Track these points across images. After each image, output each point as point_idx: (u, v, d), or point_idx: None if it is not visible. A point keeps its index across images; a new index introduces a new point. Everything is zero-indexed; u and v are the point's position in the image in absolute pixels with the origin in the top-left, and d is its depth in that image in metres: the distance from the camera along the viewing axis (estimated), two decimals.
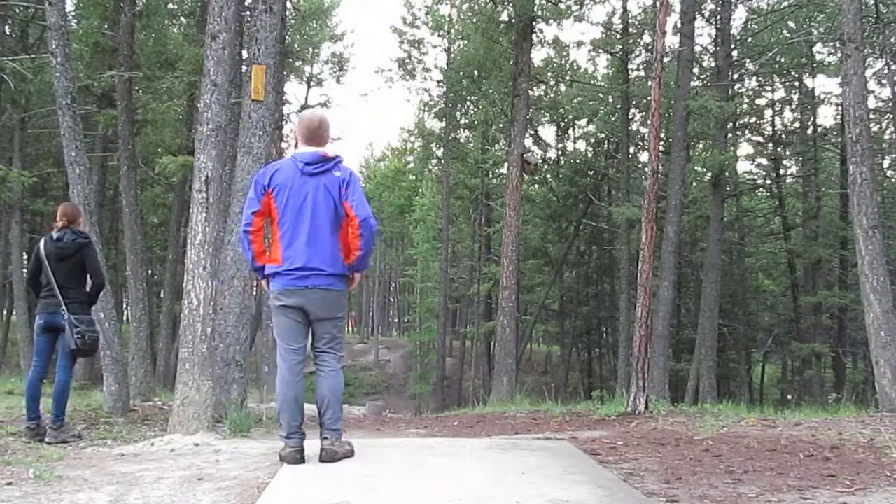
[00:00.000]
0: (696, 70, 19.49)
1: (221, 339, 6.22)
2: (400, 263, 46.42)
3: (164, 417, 6.66)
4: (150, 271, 25.34)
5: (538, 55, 25.21)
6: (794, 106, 24.47)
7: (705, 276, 17.89)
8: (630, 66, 22.82)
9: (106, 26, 14.16)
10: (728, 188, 20.99)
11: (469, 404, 18.12)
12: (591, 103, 25.77)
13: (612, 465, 3.98)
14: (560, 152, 30.99)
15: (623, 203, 20.70)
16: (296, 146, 4.00)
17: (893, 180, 23.85)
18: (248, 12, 8.60)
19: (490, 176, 28.62)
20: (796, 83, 23.67)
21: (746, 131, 24.59)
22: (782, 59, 20.21)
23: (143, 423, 6.68)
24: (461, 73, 25.71)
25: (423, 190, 36.53)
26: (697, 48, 19.40)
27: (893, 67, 16.06)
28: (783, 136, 24.91)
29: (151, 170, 16.38)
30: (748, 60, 20.40)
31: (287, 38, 18.23)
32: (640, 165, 24.17)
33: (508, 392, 13.66)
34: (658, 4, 8.01)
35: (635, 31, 22.36)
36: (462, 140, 30.04)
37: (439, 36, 27.24)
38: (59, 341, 5.40)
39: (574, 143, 31.12)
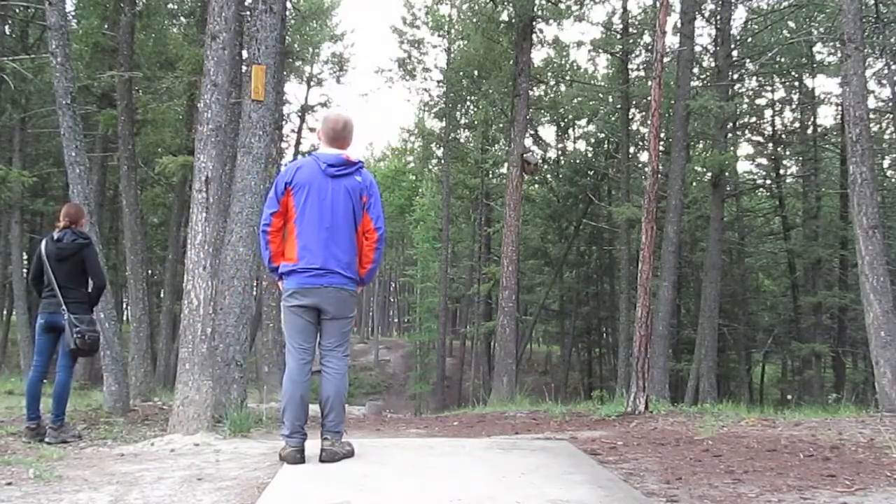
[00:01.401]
0: (696, 70, 19.49)
1: (221, 339, 6.22)
2: (400, 263, 46.40)
3: (164, 417, 6.66)
4: (150, 271, 25.36)
5: (538, 55, 25.25)
6: (794, 106, 24.46)
7: (705, 276, 17.89)
8: (630, 66, 22.82)
9: (106, 26, 14.16)
10: (728, 188, 20.98)
11: (469, 404, 18.12)
12: (591, 103, 25.78)
13: (612, 465, 3.98)
14: (560, 152, 31.00)
15: (623, 203, 20.70)
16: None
17: (893, 180, 23.84)
18: (248, 12, 8.61)
19: (490, 176, 28.62)
20: (796, 83, 23.66)
21: (746, 131, 24.58)
22: (782, 59, 20.20)
23: (143, 423, 6.68)
24: (461, 73, 25.71)
25: (423, 190, 36.52)
26: (697, 48, 19.40)
27: (893, 67, 16.04)
28: (783, 136, 24.91)
29: (151, 170, 16.40)
30: (748, 60, 20.39)
31: (287, 38, 18.24)
32: (640, 165, 24.17)
33: (508, 392, 13.65)
34: (658, 4, 8.01)
35: (635, 31, 22.36)
36: (462, 140, 30.04)
37: (439, 36, 27.25)
38: (59, 341, 5.41)
39: (574, 143, 31.17)
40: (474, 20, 22.69)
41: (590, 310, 30.34)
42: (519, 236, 15.49)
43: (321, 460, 3.66)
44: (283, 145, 22.91)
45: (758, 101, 24.09)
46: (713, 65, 20.17)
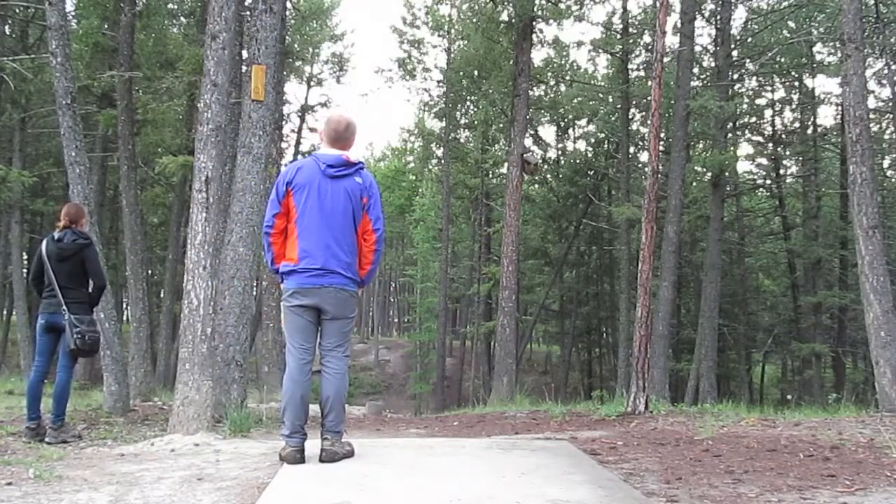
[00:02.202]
0: (696, 70, 19.48)
1: (221, 339, 6.21)
2: (400, 263, 46.41)
3: (164, 417, 6.67)
4: (150, 271, 25.35)
5: (538, 55, 25.27)
6: (794, 106, 24.46)
7: (705, 276, 17.89)
8: (630, 66, 22.82)
9: (106, 26, 14.17)
10: (728, 188, 20.98)
11: (469, 404, 18.13)
12: (591, 103, 25.79)
13: (612, 465, 3.98)
14: (560, 152, 31.02)
15: (623, 203, 20.69)
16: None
17: (893, 180, 23.85)
18: (248, 12, 8.61)
19: (490, 176, 28.63)
20: (796, 83, 23.67)
21: (746, 131, 24.59)
22: (782, 59, 20.21)
23: (143, 423, 6.69)
24: (461, 73, 25.72)
25: (423, 190, 36.54)
26: (697, 48, 19.40)
27: (893, 67, 16.04)
28: (783, 136, 24.91)
29: (151, 170, 16.41)
30: (748, 60, 20.39)
31: (287, 38, 18.25)
32: (640, 165, 24.18)
33: (508, 392, 13.66)
34: (658, 4, 8.01)
35: (635, 31, 22.37)
36: (462, 140, 30.05)
37: (439, 36, 27.26)
38: (60, 341, 5.41)
39: (574, 143, 31.19)
40: (474, 20, 22.69)
41: (590, 310, 30.35)
42: (519, 236, 15.49)
43: (321, 460, 3.66)
44: (283, 145, 22.92)
45: (758, 101, 24.10)
46: (713, 65, 20.17)
